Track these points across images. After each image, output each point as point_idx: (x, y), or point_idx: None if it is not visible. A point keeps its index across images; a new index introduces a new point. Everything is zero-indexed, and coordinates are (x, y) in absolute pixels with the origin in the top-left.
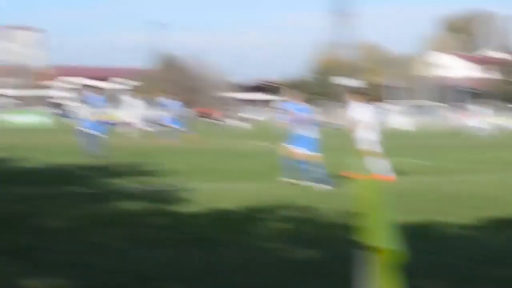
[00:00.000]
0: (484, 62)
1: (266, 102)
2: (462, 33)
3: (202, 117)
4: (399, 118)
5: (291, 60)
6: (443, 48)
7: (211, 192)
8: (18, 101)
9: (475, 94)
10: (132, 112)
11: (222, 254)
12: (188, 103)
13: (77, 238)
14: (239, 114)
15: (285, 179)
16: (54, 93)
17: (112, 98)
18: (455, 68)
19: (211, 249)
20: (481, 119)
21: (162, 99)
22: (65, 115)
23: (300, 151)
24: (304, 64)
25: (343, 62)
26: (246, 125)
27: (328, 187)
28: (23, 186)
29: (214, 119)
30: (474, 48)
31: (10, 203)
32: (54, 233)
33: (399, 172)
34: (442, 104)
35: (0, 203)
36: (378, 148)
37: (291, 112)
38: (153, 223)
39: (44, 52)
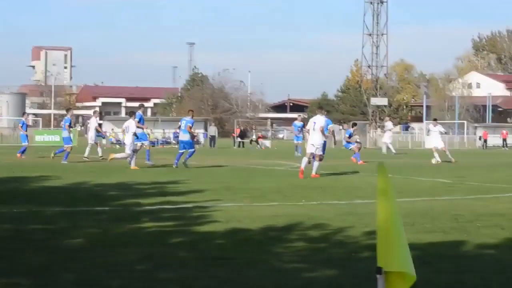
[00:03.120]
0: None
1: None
2: (491, 52)
3: (235, 136)
4: (429, 137)
5: (324, 80)
6: (472, 67)
7: (233, 211)
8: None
9: (503, 112)
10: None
11: (248, 275)
12: (219, 122)
13: (95, 258)
14: (267, 133)
15: None
16: (86, 113)
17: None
18: (485, 87)
19: (234, 270)
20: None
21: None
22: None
23: None
24: (337, 83)
25: (376, 82)
26: (268, 145)
27: None
28: (44, 205)
29: (245, 139)
30: (503, 67)
31: (29, 222)
32: (73, 253)
33: (418, 191)
34: (472, 123)
35: (19, 222)
36: None
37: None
38: (172, 242)
39: (68, 70)
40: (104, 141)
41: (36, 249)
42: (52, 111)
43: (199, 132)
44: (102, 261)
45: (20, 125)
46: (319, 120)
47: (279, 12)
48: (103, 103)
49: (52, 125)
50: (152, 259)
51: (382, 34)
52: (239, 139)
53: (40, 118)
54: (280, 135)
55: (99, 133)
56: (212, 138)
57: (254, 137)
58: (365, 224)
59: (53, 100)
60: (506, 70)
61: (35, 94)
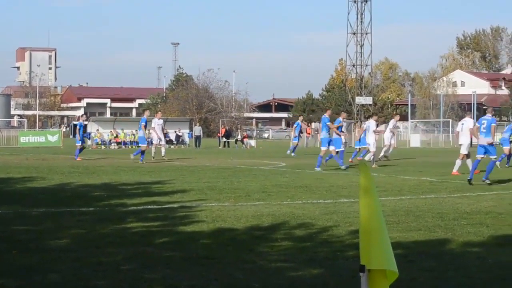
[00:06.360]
0: (493, 78)
1: (279, 120)
2: (475, 50)
3: (221, 136)
4: (412, 135)
5: (309, 79)
6: (457, 65)
7: (218, 210)
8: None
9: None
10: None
11: (233, 275)
12: (204, 122)
13: (80, 259)
14: (253, 133)
15: None
16: (71, 114)
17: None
18: (470, 85)
19: (220, 269)
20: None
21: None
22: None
23: None
24: (322, 83)
25: (360, 81)
26: (253, 144)
27: None
28: (29, 206)
29: (230, 138)
30: (487, 65)
31: (14, 223)
32: (58, 253)
33: (402, 189)
34: (457, 122)
35: (4, 223)
36: None
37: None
38: (158, 242)
39: (53, 71)
40: (89, 142)
41: (21, 250)
42: (37, 112)
43: (184, 132)
44: (88, 261)
45: (78, 127)
46: (467, 122)
47: (264, 11)
48: (88, 104)
49: (37, 126)
50: (138, 259)
51: (366, 33)
52: (224, 139)
53: (25, 119)
54: (265, 135)
55: (85, 134)
56: (197, 138)
57: (239, 136)
58: (350, 223)
59: (38, 101)
60: (490, 68)
61: (20, 95)
